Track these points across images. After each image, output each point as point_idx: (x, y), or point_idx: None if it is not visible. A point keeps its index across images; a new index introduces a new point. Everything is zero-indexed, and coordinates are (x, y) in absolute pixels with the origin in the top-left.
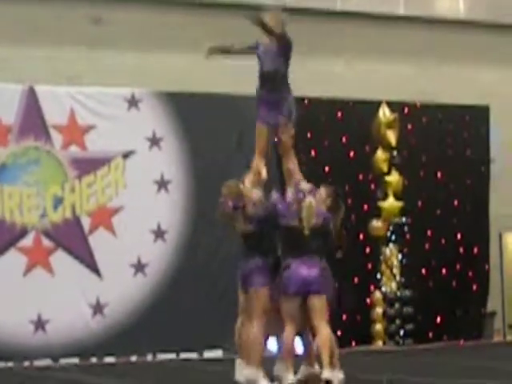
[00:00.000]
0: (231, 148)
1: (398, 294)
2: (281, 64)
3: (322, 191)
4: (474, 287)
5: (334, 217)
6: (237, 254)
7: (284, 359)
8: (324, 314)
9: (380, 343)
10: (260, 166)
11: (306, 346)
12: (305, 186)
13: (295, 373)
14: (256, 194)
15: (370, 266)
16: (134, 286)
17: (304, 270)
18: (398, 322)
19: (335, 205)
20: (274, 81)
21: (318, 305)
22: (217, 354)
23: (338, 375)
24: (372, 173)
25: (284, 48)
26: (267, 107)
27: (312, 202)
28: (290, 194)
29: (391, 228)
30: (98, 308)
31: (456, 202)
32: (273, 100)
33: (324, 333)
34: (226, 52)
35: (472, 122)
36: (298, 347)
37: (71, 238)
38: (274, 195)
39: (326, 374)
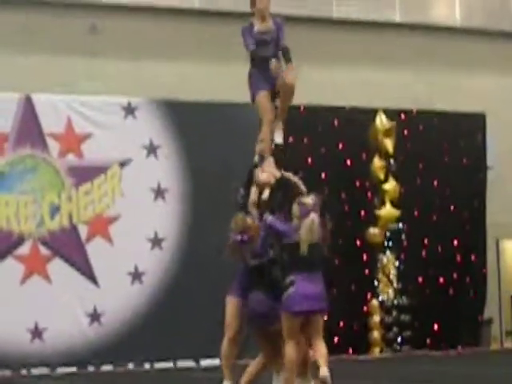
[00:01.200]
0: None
1: (395, 301)
2: (277, 46)
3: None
4: (471, 294)
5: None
6: (233, 262)
7: (287, 374)
8: (321, 331)
9: (377, 350)
10: (268, 136)
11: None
12: (308, 200)
13: None
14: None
15: (367, 273)
16: (130, 295)
17: (308, 287)
18: (395, 329)
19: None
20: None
21: (318, 323)
22: (214, 362)
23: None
24: (369, 180)
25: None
26: (266, 80)
27: (315, 218)
28: (293, 209)
29: (388, 235)
30: (94, 316)
31: (453, 209)
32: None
33: (322, 350)
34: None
35: (468, 129)
36: None
37: (68, 247)
38: (268, 217)
39: (324, 371)
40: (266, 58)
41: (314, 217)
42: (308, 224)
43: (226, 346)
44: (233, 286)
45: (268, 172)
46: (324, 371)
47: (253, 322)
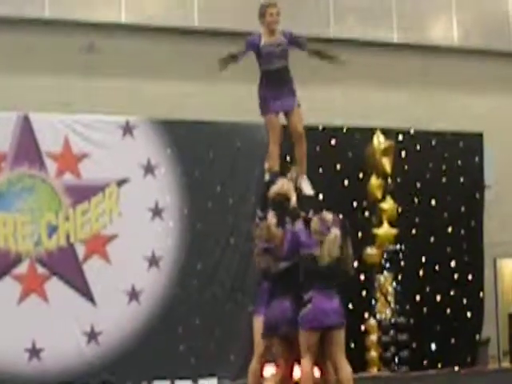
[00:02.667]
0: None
1: (393, 320)
2: (286, 59)
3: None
4: (469, 314)
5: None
6: (233, 280)
7: None
8: (343, 348)
9: (375, 370)
10: (275, 153)
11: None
12: (328, 216)
13: None
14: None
15: (364, 293)
16: (128, 314)
17: (325, 303)
18: (392, 349)
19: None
20: (282, 75)
21: (339, 338)
22: (212, 382)
23: None
24: (366, 200)
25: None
26: (277, 98)
27: (337, 234)
28: (313, 224)
29: (385, 255)
30: (92, 335)
31: (450, 229)
32: (282, 91)
33: (347, 369)
34: (234, 59)
35: (466, 148)
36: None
37: (66, 266)
38: (299, 225)
39: None
40: (273, 71)
41: (336, 232)
42: (332, 239)
43: (256, 364)
44: (258, 306)
45: (280, 184)
46: None
47: (275, 330)
